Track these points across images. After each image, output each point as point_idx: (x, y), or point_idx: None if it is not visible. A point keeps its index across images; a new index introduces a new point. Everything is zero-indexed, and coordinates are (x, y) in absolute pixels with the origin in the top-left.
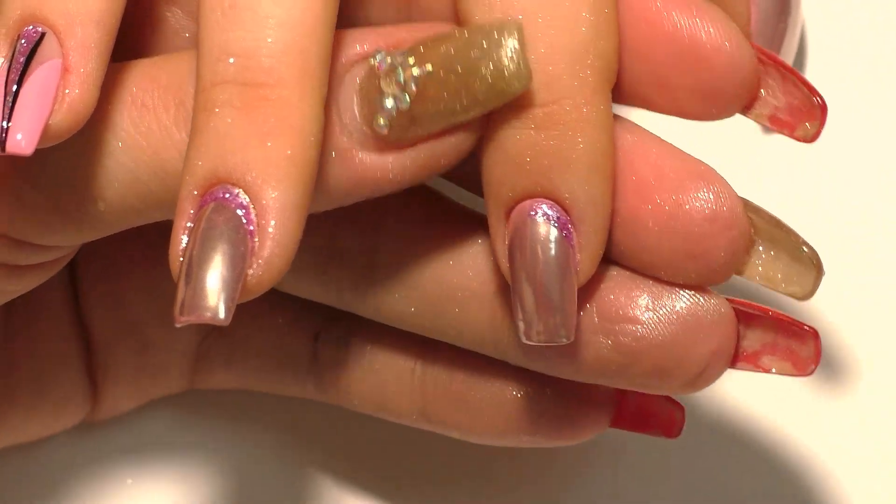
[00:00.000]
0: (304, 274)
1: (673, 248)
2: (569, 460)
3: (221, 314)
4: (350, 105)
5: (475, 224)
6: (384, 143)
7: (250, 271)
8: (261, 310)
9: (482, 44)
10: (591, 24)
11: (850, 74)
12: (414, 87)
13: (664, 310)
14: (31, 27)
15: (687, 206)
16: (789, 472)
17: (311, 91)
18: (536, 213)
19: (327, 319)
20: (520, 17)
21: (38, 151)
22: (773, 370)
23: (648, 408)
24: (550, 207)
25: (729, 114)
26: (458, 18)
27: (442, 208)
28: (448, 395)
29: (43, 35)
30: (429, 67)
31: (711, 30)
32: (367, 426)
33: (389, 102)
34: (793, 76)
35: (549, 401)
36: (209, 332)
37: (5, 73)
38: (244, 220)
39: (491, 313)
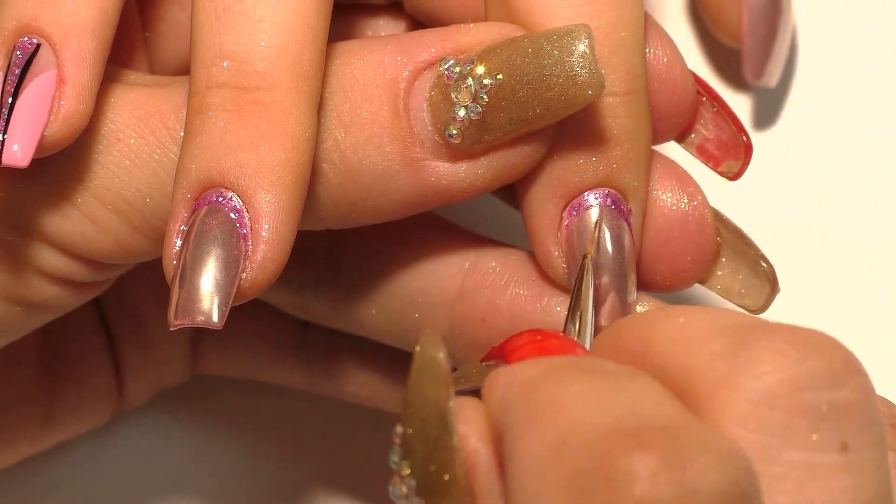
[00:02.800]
0: None
1: (642, 246)
2: None
3: (215, 318)
4: (420, 114)
5: (438, 230)
6: (456, 152)
7: (244, 275)
8: (253, 303)
9: (552, 50)
10: (632, 32)
11: (842, 75)
12: (485, 97)
13: None
14: (26, 38)
15: (660, 207)
16: None
17: (304, 95)
18: (601, 201)
19: None
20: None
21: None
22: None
23: None
24: (607, 194)
25: (665, 140)
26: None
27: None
28: None
29: (38, 46)
30: (500, 77)
31: (659, 53)
32: (365, 425)
33: (461, 112)
34: (725, 111)
35: None
36: None
37: (0, 85)
38: (237, 224)
39: (450, 320)
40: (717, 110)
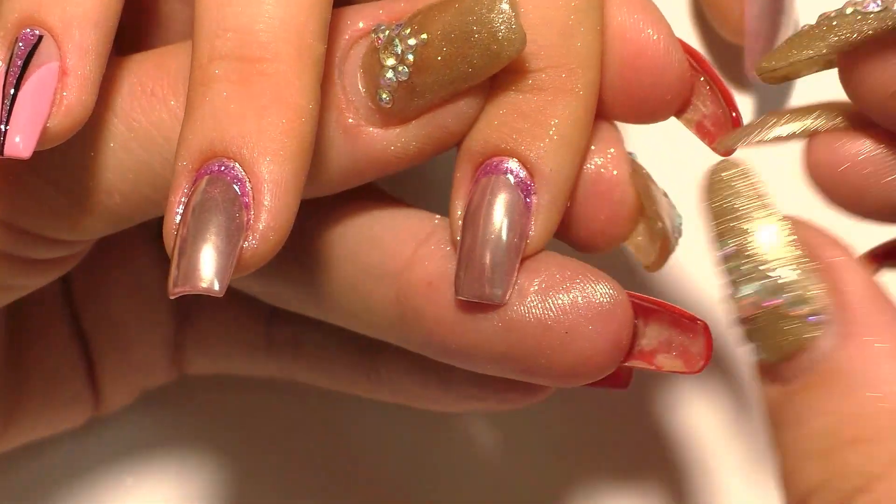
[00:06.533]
0: None
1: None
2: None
3: (216, 285)
4: (355, 81)
5: (386, 204)
6: (388, 117)
7: (245, 244)
8: (218, 301)
9: (475, 7)
10: (586, 15)
11: None
12: (411, 58)
13: (554, 298)
14: (28, 30)
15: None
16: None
17: (308, 66)
18: (502, 169)
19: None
20: None
21: (52, 148)
22: (665, 367)
23: None
24: (518, 167)
25: (663, 116)
26: None
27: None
28: (399, 360)
29: (40, 38)
30: (424, 36)
31: (650, 30)
32: (360, 421)
33: (389, 74)
34: (718, 86)
35: None
36: (181, 323)
37: (3, 77)
38: (239, 193)
39: (396, 292)
40: (712, 85)
